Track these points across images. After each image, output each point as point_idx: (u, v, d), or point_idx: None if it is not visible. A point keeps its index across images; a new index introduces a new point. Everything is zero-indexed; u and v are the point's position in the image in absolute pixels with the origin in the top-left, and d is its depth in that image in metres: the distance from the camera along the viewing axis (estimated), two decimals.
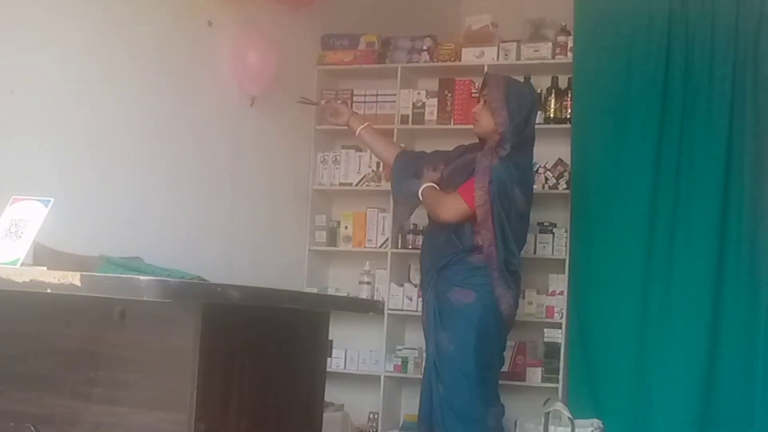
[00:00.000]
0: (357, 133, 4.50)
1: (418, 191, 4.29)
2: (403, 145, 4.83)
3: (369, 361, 5.41)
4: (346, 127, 4.61)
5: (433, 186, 4.28)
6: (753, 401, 4.61)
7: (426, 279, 4.34)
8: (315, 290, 5.45)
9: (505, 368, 5.05)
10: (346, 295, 5.41)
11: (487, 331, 4.21)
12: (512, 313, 4.31)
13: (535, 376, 5.08)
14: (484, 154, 4.21)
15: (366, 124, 4.52)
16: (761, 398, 4.58)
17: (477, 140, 4.41)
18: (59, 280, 2.27)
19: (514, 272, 4.26)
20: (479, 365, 4.19)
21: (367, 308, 3.68)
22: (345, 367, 5.39)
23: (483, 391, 4.23)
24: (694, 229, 4.82)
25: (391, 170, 4.52)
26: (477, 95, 4.44)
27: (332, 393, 3.77)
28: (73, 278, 2.25)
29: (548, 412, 4.53)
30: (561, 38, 5.25)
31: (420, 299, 5.23)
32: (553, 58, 5.24)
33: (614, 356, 4.88)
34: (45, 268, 2.43)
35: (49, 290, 2.28)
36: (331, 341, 3.53)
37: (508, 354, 5.10)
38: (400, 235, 5.44)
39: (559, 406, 4.56)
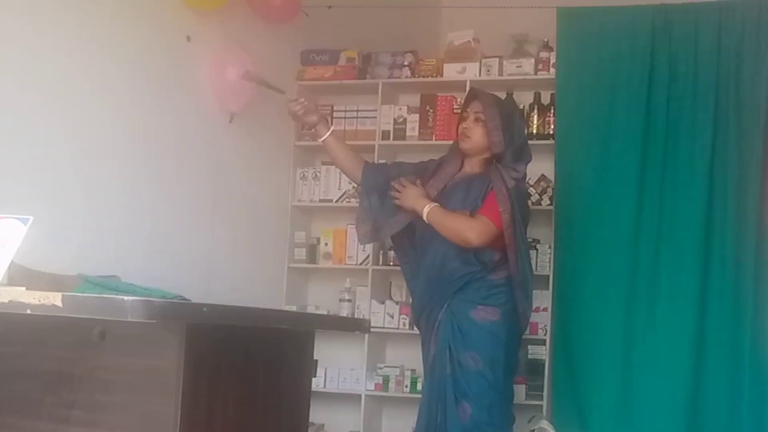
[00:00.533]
0: (323, 139, 4.38)
1: (422, 211, 4.17)
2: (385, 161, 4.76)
3: (350, 379, 5.36)
4: (312, 130, 4.58)
5: (439, 207, 4.18)
6: (740, 416, 4.58)
7: (435, 300, 4.23)
8: (294, 308, 5.40)
9: None
10: (326, 312, 5.41)
11: (513, 346, 4.27)
12: (527, 326, 4.42)
13: (519, 393, 5.00)
14: (495, 173, 4.19)
15: (332, 129, 4.43)
16: (748, 413, 4.56)
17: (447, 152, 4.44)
18: (40, 301, 2.20)
19: (528, 285, 4.28)
20: (509, 381, 4.26)
21: (353, 327, 3.63)
22: (325, 386, 5.33)
23: (511, 405, 4.31)
24: (678, 245, 4.80)
25: (361, 185, 4.44)
26: (462, 111, 4.36)
27: (312, 412, 3.69)
28: (55, 299, 2.18)
29: (533, 430, 4.50)
30: (543, 54, 5.25)
31: (404, 317, 5.31)
32: (536, 73, 5.24)
33: (599, 373, 4.85)
34: (23, 288, 2.35)
35: (29, 311, 2.21)
36: (317, 360, 3.46)
37: None
38: (381, 252, 5.40)
39: (544, 423, 4.55)
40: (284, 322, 2.74)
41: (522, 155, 4.27)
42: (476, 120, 4.24)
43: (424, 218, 4.15)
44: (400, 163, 4.61)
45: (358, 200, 5.38)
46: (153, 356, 2.33)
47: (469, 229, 4.10)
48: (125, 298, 2.17)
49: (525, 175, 4.36)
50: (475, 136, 4.23)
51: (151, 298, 2.27)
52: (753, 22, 4.85)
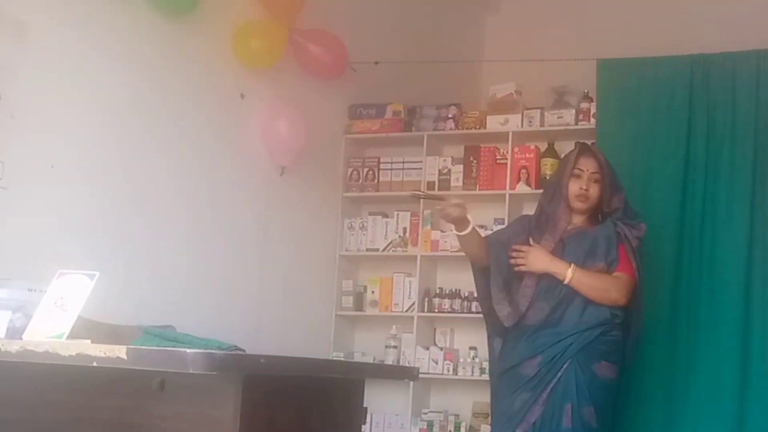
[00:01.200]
0: (466, 232, 4.10)
1: (564, 273, 4.06)
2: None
3: (395, 425, 5.40)
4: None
5: (580, 268, 4.09)
6: None
7: (559, 349, 4.06)
8: (341, 355, 5.48)
9: None
10: (372, 358, 5.48)
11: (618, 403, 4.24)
12: None
13: None
14: (616, 228, 4.19)
15: (473, 226, 4.16)
16: None
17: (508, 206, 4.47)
18: (105, 354, 2.31)
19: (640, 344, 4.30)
20: None
21: (401, 375, 3.69)
22: (370, 431, 5.37)
23: None
24: (719, 294, 4.83)
25: (491, 263, 4.17)
26: (573, 167, 4.20)
27: None
28: (120, 352, 2.29)
29: None
30: (584, 105, 5.31)
31: (448, 362, 5.36)
32: (576, 124, 5.30)
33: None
34: (89, 341, 2.48)
35: (95, 363, 2.32)
36: (366, 408, 3.55)
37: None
38: (426, 300, 5.48)
39: None
40: (335, 371, 2.81)
41: (637, 215, 4.28)
42: (594, 180, 4.20)
43: (567, 280, 4.07)
44: (504, 229, 4.51)
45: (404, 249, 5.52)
46: (211, 406, 2.41)
47: (616, 289, 4.08)
48: (187, 350, 2.28)
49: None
50: (593, 195, 4.20)
51: (210, 350, 2.38)
52: None
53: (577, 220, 4.24)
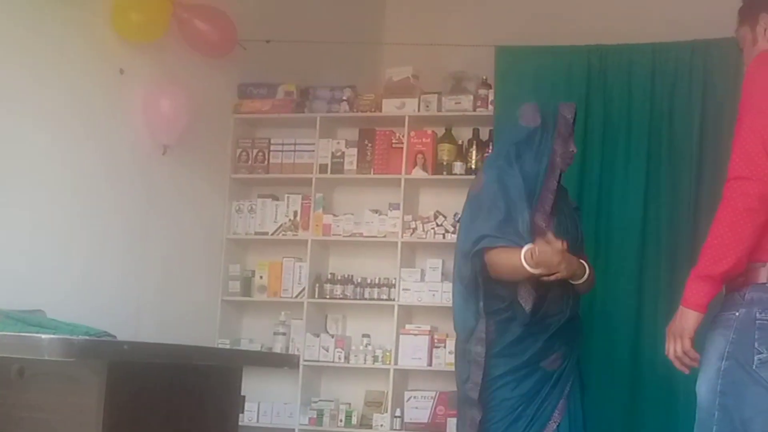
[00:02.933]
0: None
1: (583, 274, 3.61)
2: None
3: (283, 413, 5.29)
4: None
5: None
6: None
7: (569, 345, 3.71)
8: (228, 341, 5.34)
9: (425, 419, 5.09)
10: (260, 346, 5.35)
11: None
12: None
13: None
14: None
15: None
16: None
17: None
18: None
19: None
20: None
21: (281, 363, 3.58)
22: (258, 421, 5.26)
23: None
24: (612, 283, 4.83)
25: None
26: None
27: None
28: None
29: None
30: (482, 91, 5.27)
31: (339, 350, 5.26)
32: (475, 110, 5.27)
33: None
34: None
35: None
36: (244, 396, 3.41)
37: (427, 405, 5.12)
38: (316, 285, 5.38)
39: None
40: (209, 358, 2.70)
41: None
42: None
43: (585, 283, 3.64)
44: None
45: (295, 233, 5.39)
46: (74, 394, 2.29)
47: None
48: (43, 336, 2.13)
49: None
50: None
51: (70, 336, 2.23)
52: (686, 64, 4.95)
53: None
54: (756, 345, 2.59)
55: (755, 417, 2.57)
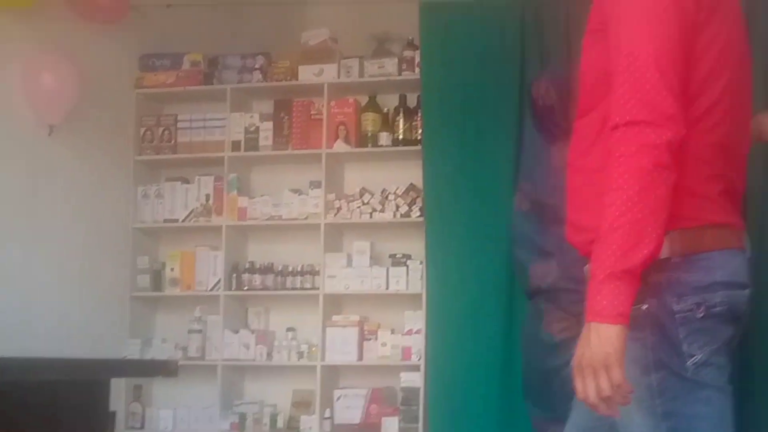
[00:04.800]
0: None
1: None
2: None
3: (202, 419, 4.91)
4: None
5: None
6: None
7: None
8: (138, 342, 4.97)
9: (356, 419, 4.76)
10: (173, 346, 4.98)
11: None
12: None
13: (392, 426, 4.68)
14: None
15: None
16: None
17: None
18: None
19: None
20: None
21: (156, 371, 3.03)
22: (174, 429, 4.92)
23: None
24: None
25: None
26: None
27: None
28: None
29: None
30: (407, 53, 4.95)
31: (261, 346, 4.89)
32: (400, 74, 4.94)
33: (478, 401, 4.43)
34: None
35: None
36: (114, 412, 3.05)
37: (359, 404, 4.80)
38: (233, 276, 4.97)
39: None
40: (63, 372, 2.24)
41: None
42: None
43: None
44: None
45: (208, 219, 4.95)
46: None
47: None
48: None
49: None
50: None
51: None
52: None
53: None
54: (685, 347, 1.91)
55: (719, 424, 1.91)
